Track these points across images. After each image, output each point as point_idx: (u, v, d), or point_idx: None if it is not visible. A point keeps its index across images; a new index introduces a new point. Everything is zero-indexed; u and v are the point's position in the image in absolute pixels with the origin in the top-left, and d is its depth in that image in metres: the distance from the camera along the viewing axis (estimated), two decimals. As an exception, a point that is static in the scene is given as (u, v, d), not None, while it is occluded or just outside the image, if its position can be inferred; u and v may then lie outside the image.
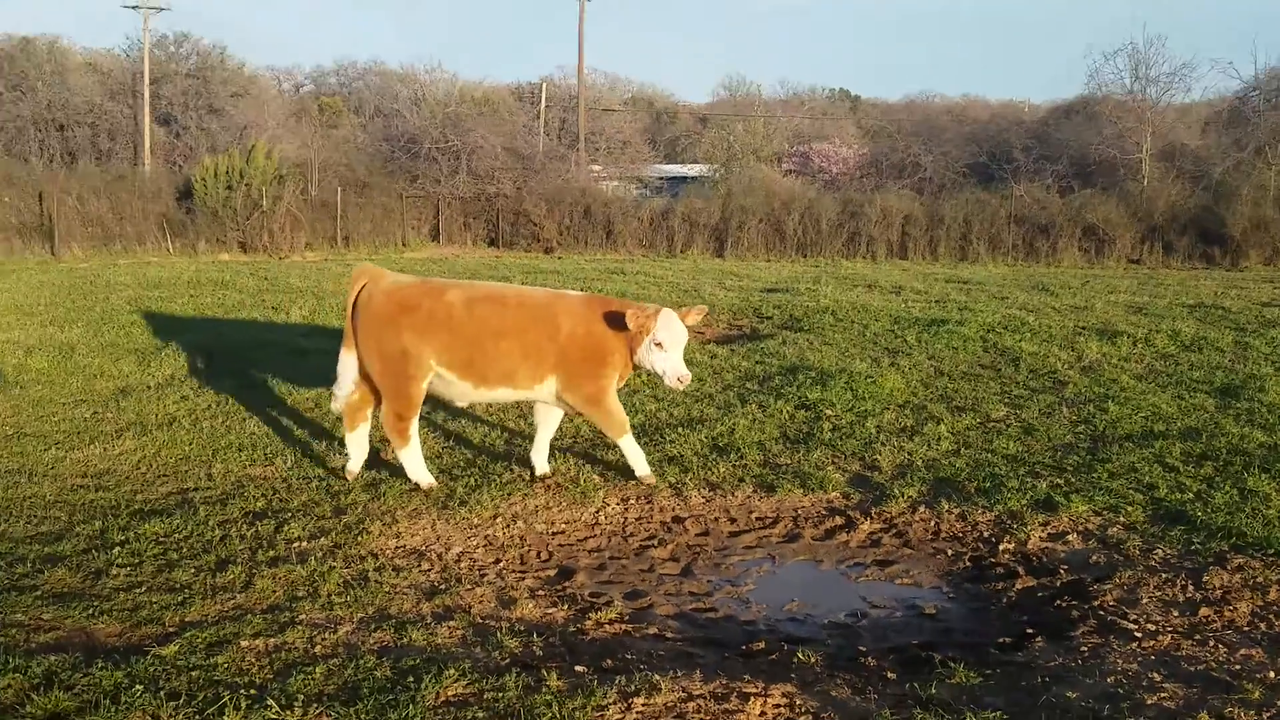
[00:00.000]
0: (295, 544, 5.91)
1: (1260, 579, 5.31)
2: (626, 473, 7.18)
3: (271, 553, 5.75)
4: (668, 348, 6.64)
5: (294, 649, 4.51)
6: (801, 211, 29.78)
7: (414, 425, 6.97)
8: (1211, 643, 4.67)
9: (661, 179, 44.28)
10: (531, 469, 7.29)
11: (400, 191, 31.66)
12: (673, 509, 6.76)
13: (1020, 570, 5.74)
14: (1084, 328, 13.74)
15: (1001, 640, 4.87)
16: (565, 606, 5.23)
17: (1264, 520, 6.11)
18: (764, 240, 29.79)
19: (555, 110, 44.66)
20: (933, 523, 6.50)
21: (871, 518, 6.59)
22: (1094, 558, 5.77)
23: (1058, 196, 29.53)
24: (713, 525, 6.56)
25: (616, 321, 6.73)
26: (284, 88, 52.93)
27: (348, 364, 7.15)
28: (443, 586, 5.37)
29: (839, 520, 6.59)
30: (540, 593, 5.44)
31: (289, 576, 5.41)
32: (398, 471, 7.15)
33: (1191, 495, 6.61)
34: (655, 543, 6.28)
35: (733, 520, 6.63)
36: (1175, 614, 5.01)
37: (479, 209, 31.89)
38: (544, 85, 45.38)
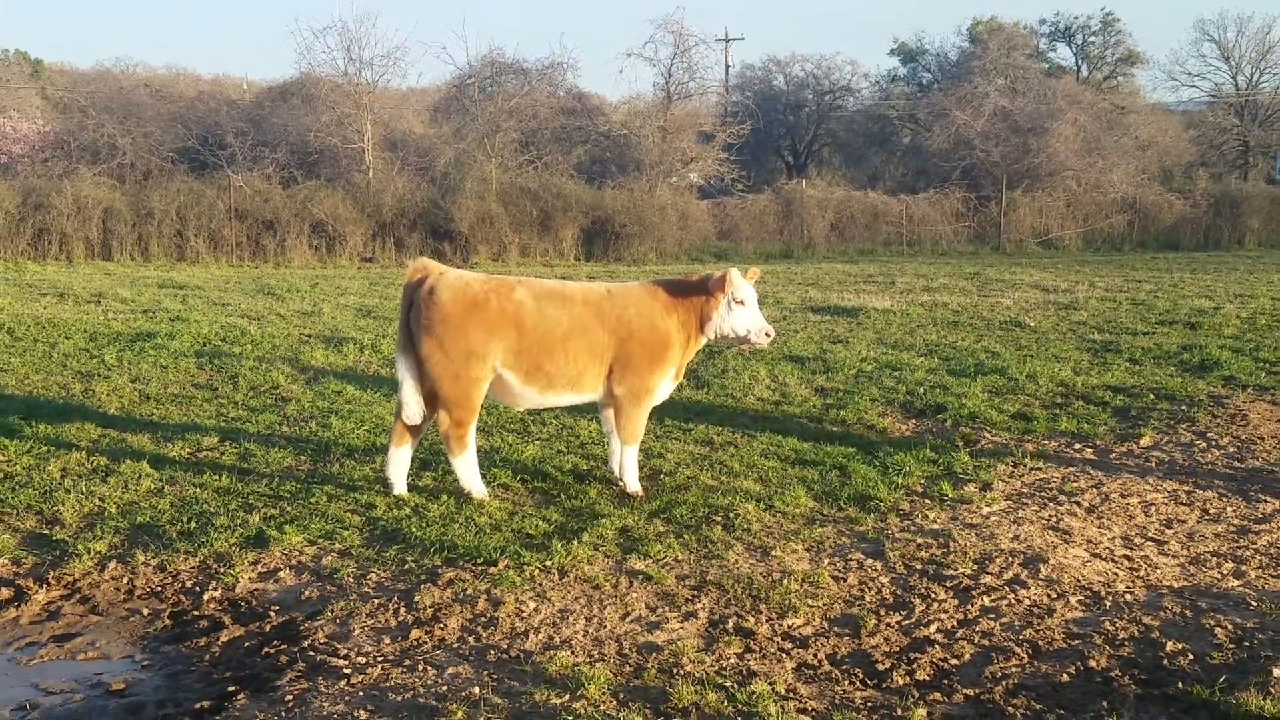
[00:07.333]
0: None
1: (470, 590, 5.95)
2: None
3: None
4: (749, 304, 7.45)
5: None
6: (-35, 203, 26.62)
7: (473, 431, 7.38)
8: (421, 666, 5.12)
9: None
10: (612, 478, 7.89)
11: None
12: None
13: (227, 620, 5.74)
14: (310, 335, 14.33)
15: (200, 705, 4.82)
16: None
17: (475, 528, 6.88)
18: (-88, 239, 26.13)
19: None
20: (126, 580, 6.22)
21: (49, 584, 6.12)
22: (306, 593, 5.99)
23: (280, 189, 29.93)
24: None
25: (685, 295, 7.51)
26: None
27: (406, 368, 7.33)
28: None
29: (6, 593, 6.02)
30: None
31: None
32: None
33: (408, 511, 7.21)
34: None
35: None
36: (387, 641, 5.40)
37: None
38: None
